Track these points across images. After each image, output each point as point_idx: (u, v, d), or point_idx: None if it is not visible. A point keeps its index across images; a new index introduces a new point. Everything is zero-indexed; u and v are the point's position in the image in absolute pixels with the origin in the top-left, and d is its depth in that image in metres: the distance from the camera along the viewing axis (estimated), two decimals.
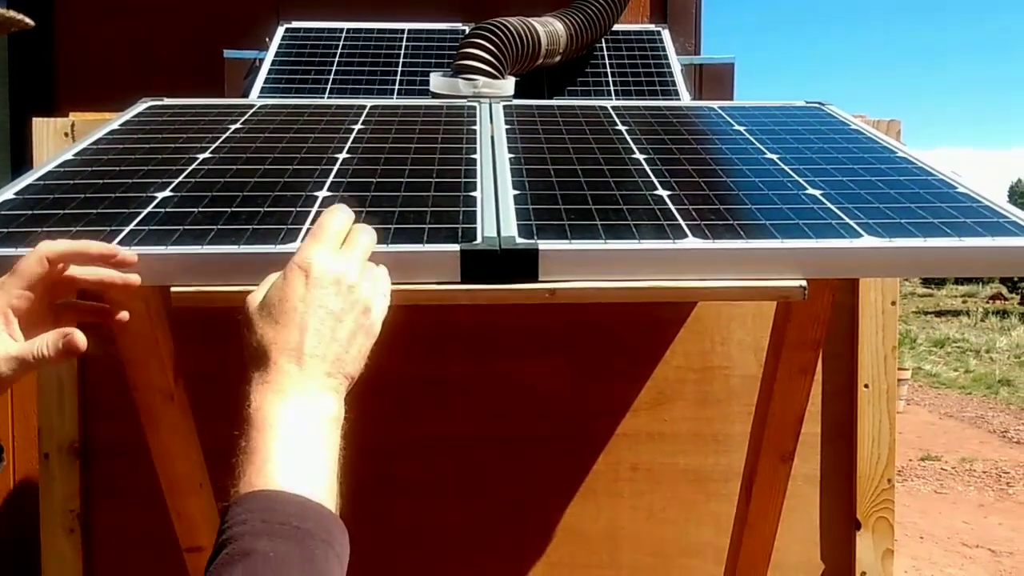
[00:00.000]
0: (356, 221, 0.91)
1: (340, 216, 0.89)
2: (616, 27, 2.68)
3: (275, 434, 0.73)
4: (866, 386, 1.80)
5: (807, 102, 1.80)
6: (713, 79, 2.91)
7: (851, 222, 1.14)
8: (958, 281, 31.69)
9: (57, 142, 1.71)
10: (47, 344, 0.87)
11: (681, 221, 1.14)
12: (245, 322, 0.82)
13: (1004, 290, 27.22)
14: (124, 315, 0.99)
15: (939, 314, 21.33)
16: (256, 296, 0.84)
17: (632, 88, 2.53)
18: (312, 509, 0.69)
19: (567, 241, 1.08)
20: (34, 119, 1.72)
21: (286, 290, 0.81)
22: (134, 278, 0.96)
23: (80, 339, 0.88)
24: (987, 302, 24.49)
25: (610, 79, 2.57)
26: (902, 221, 1.15)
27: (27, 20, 1.13)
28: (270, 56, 2.56)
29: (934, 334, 15.91)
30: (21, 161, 3.24)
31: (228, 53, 2.76)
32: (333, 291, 0.82)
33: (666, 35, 2.75)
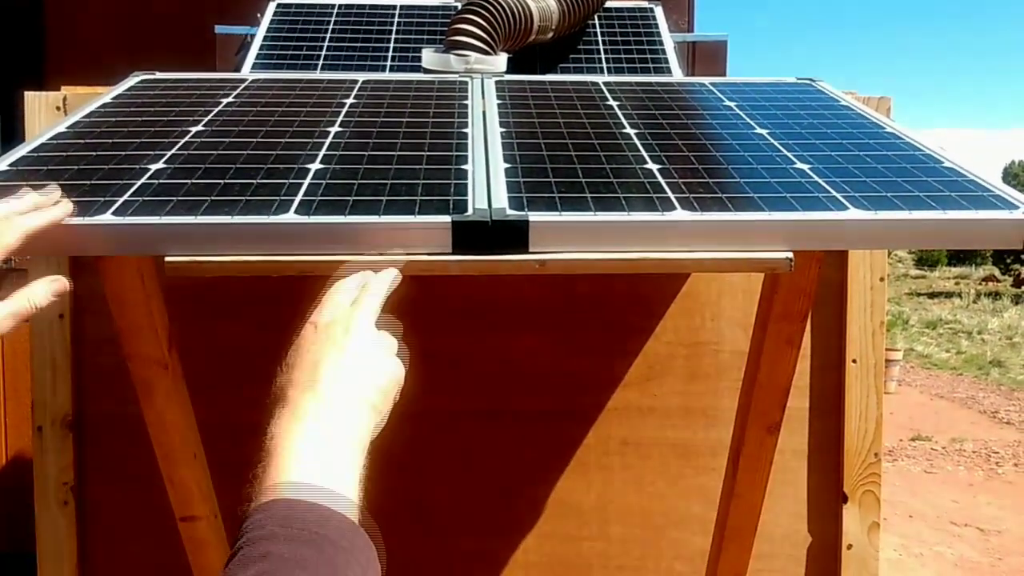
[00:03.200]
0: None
1: (350, 281, 0.93)
2: (609, 4, 2.67)
3: (291, 452, 0.74)
4: (854, 361, 1.82)
5: (798, 78, 1.81)
6: (706, 56, 2.91)
7: (838, 195, 1.16)
8: (951, 263, 31.80)
9: (49, 116, 1.71)
10: (38, 294, 0.92)
11: (670, 194, 1.15)
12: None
13: (997, 272, 27.31)
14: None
15: (932, 296, 21.40)
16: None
17: (624, 65, 2.53)
18: (332, 517, 0.69)
19: (557, 213, 1.09)
20: (26, 93, 1.72)
21: (300, 342, 0.85)
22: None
23: (66, 282, 0.94)
24: (980, 284, 24.57)
25: (602, 56, 2.57)
26: (888, 195, 1.16)
27: None
28: (261, 32, 2.56)
29: (926, 315, 15.97)
30: (9, 135, 3.24)
31: (219, 29, 2.76)
32: (341, 334, 0.84)
33: (659, 12, 2.75)
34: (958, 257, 31.43)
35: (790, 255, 1.09)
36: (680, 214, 1.09)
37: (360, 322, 0.87)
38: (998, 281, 25.09)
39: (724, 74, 2.93)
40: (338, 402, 0.79)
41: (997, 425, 7.94)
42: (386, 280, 0.96)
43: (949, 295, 21.17)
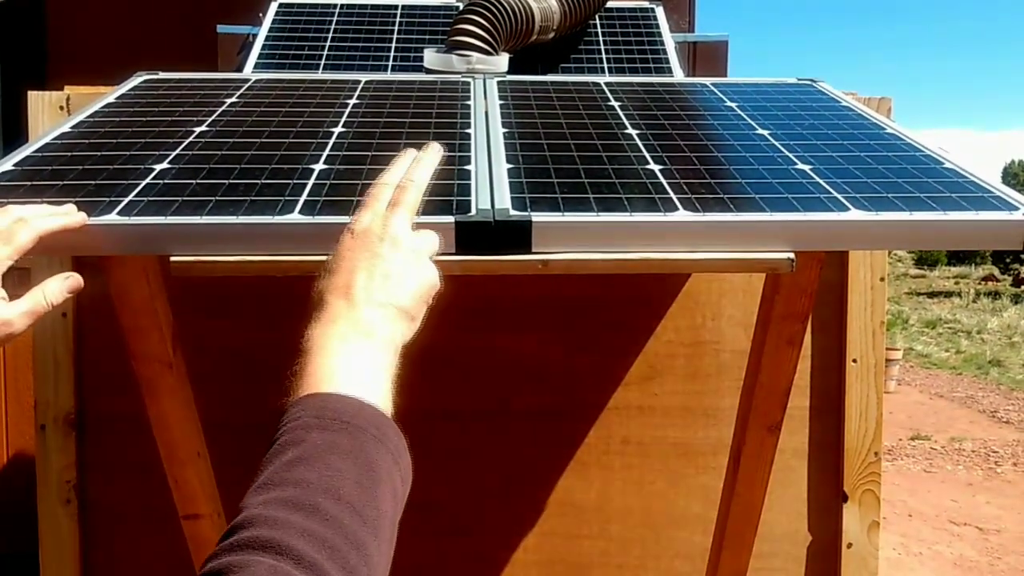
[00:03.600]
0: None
1: (389, 178, 0.97)
2: (610, 4, 2.68)
3: (326, 352, 0.77)
4: (854, 361, 1.83)
5: (799, 79, 1.81)
6: (707, 56, 2.92)
7: (839, 196, 1.16)
8: (951, 262, 31.80)
9: (52, 115, 1.72)
10: (53, 291, 0.95)
11: (672, 195, 1.16)
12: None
13: (996, 271, 27.32)
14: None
15: (931, 295, 21.41)
16: None
17: (626, 65, 2.53)
18: (364, 410, 0.73)
19: (560, 213, 1.09)
20: (29, 92, 1.73)
21: (338, 249, 0.88)
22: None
23: (80, 278, 0.97)
24: (979, 283, 24.58)
25: (604, 56, 2.58)
26: (889, 195, 1.17)
27: None
28: (263, 32, 2.56)
29: (926, 315, 15.97)
30: (11, 135, 3.24)
31: (222, 28, 2.76)
32: (376, 240, 0.88)
33: (660, 12, 2.75)
34: (958, 257, 31.45)
35: (791, 255, 1.10)
36: (682, 215, 1.10)
37: (394, 227, 0.89)
38: (997, 280, 25.10)
39: (725, 74, 2.93)
40: (370, 307, 0.83)
41: (996, 424, 7.95)
42: (425, 174, 0.99)
43: (949, 294, 21.18)
